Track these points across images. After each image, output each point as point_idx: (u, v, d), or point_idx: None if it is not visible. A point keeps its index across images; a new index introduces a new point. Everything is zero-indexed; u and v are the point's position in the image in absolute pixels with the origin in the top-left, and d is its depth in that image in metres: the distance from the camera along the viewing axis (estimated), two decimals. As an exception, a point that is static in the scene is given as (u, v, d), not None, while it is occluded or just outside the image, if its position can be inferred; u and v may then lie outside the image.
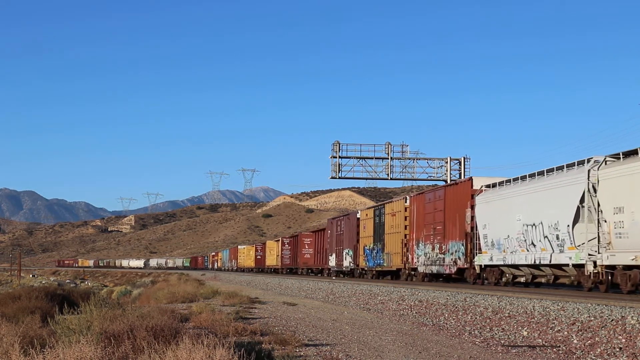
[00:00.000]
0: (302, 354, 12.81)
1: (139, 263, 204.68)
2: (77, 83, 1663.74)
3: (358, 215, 53.29)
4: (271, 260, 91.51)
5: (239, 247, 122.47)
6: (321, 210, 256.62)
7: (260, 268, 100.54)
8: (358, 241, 52.12)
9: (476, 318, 18.15)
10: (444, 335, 16.20)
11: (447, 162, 65.35)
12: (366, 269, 50.61)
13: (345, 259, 54.91)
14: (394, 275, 46.96)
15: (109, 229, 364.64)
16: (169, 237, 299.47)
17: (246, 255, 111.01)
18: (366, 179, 66.88)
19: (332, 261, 59.32)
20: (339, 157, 64.54)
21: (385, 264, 46.15)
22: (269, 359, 11.28)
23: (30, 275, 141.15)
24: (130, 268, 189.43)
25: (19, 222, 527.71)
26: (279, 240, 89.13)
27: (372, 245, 49.05)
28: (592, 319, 15.12)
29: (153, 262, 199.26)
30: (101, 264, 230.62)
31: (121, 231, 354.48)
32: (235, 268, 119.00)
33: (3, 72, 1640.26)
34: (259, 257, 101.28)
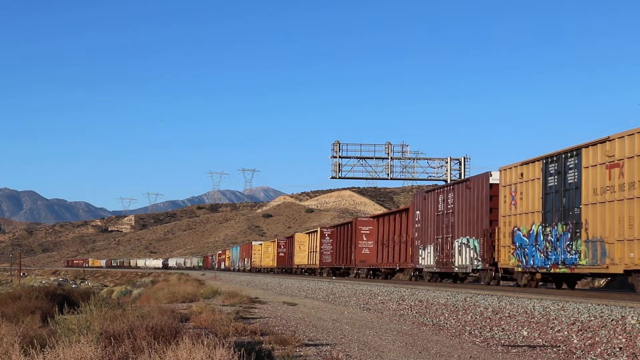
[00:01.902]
0: (302, 353, 12.81)
1: (157, 263, 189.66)
2: (77, 84, 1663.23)
3: (494, 180, 31.56)
4: (302, 258, 71.60)
5: (254, 243, 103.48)
6: (321, 210, 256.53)
7: (284, 268, 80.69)
8: (494, 223, 31.31)
9: (476, 318, 18.15)
10: (444, 335, 16.20)
11: (447, 162, 65.37)
12: (521, 269, 29.07)
13: (462, 254, 34.27)
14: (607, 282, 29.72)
15: (109, 229, 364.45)
16: (169, 237, 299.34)
17: (264, 253, 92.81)
18: (366, 179, 66.96)
19: (427, 258, 38.70)
20: (339, 157, 64.56)
21: (584, 262, 24.99)
22: (269, 359, 11.28)
23: (21, 274, 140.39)
24: (148, 268, 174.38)
25: (19, 222, 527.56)
26: (315, 231, 67.35)
27: (537, 228, 28.04)
28: (592, 319, 15.12)
29: (172, 262, 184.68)
30: (114, 264, 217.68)
31: (121, 231, 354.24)
32: (249, 268, 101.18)
33: (4, 73, 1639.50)
34: (281, 254, 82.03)
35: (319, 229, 64.38)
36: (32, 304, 20.96)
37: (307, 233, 73.09)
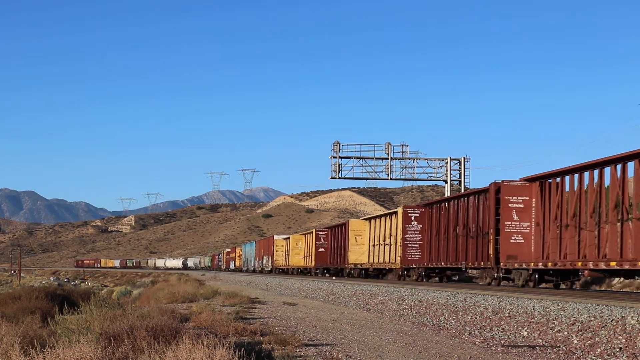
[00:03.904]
0: (302, 354, 12.82)
1: (177, 263, 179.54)
2: (77, 84, 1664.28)
3: None
4: (359, 254, 52.23)
5: (276, 237, 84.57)
6: (321, 210, 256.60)
7: (328, 269, 62.18)
8: None
9: (476, 318, 18.16)
10: (444, 335, 16.21)
11: (447, 162, 65.44)
12: None
13: None
14: None
15: (109, 229, 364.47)
16: (169, 237, 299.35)
17: (292, 249, 73.43)
18: (366, 179, 67.19)
19: None
20: (339, 157, 64.66)
21: None
22: (269, 359, 11.28)
23: (11, 273, 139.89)
24: (167, 269, 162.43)
25: (19, 222, 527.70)
26: (388, 215, 47.28)
27: None
28: (592, 319, 15.13)
29: (190, 262, 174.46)
30: (129, 264, 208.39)
31: (121, 231, 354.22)
32: (270, 268, 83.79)
33: (3, 72, 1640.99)
34: (321, 249, 63.60)
35: (399, 211, 44.19)
36: (32, 304, 20.97)
37: (367, 219, 53.43)
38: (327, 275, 62.50)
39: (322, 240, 64.05)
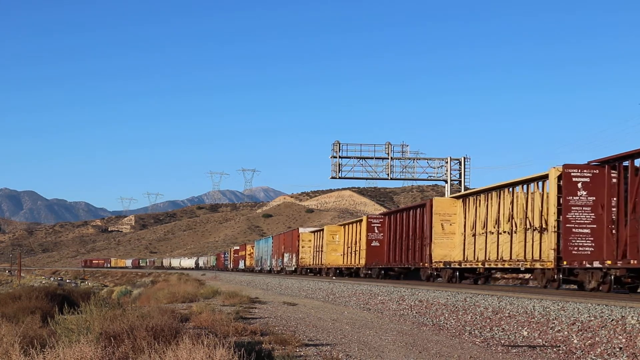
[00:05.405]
0: (302, 353, 12.82)
1: (191, 263, 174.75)
2: (77, 84, 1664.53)
3: None
4: (449, 247, 37.09)
5: (302, 230, 69.96)
6: (321, 210, 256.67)
7: (388, 270, 46.77)
8: None
9: (476, 318, 18.16)
10: (444, 335, 16.21)
11: (447, 162, 65.47)
12: None
13: None
14: None
15: (109, 229, 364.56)
16: (169, 237, 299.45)
17: (326, 244, 58.91)
18: (366, 179, 67.23)
19: None
20: (339, 157, 64.69)
21: None
22: (269, 359, 11.29)
23: (10, 272, 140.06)
24: (182, 269, 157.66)
25: (19, 222, 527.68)
26: (521, 183, 30.36)
27: None
28: (592, 319, 15.13)
29: (201, 262, 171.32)
30: (142, 264, 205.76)
31: (121, 231, 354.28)
32: (294, 268, 70.00)
33: (4, 74, 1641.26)
34: (375, 243, 48.26)
35: (552, 174, 26.99)
36: (32, 304, 20.98)
37: (458, 197, 38.25)
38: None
39: (377, 231, 48.65)
